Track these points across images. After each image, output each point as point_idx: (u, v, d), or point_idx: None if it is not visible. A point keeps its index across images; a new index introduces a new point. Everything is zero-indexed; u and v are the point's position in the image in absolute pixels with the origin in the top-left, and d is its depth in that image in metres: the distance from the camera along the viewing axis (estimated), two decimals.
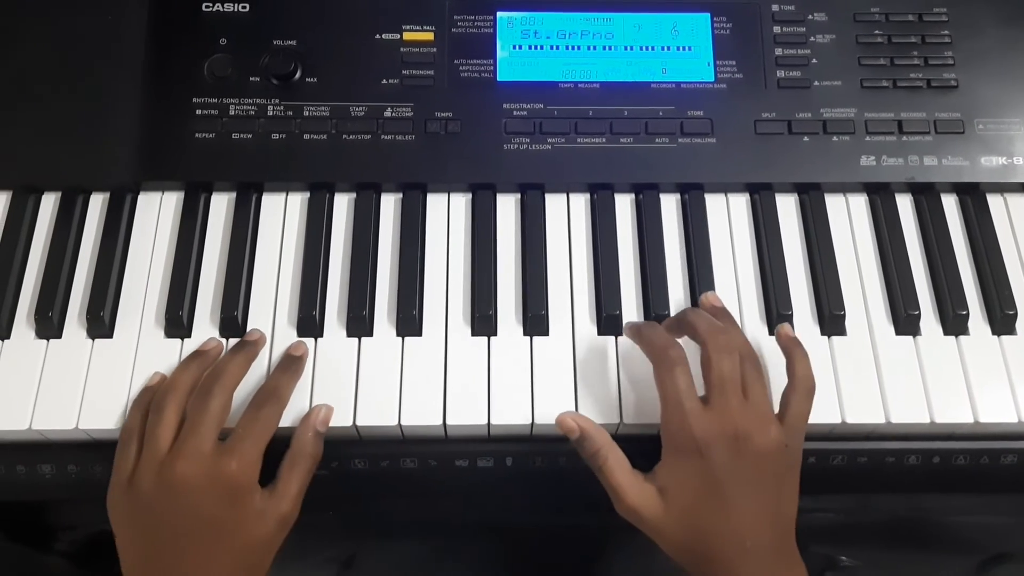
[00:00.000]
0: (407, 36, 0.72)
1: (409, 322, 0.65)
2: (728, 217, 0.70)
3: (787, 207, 0.70)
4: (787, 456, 0.58)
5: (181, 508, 0.56)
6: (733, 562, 0.56)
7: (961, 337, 0.66)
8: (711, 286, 0.66)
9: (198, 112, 0.69)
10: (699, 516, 0.56)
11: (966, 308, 0.66)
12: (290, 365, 0.62)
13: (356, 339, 0.64)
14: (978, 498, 0.76)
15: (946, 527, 0.80)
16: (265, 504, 0.57)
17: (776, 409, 0.60)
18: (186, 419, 0.58)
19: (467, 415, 0.62)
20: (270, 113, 0.69)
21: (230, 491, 0.56)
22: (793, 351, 0.61)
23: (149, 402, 0.60)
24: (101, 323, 0.64)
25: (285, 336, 0.64)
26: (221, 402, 0.58)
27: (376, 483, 0.65)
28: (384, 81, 0.71)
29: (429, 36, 0.72)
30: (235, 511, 0.56)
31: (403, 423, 0.62)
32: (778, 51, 0.72)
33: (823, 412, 0.63)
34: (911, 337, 0.66)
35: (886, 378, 0.64)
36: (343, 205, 0.70)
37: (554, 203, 0.70)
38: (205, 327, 0.65)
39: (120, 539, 0.58)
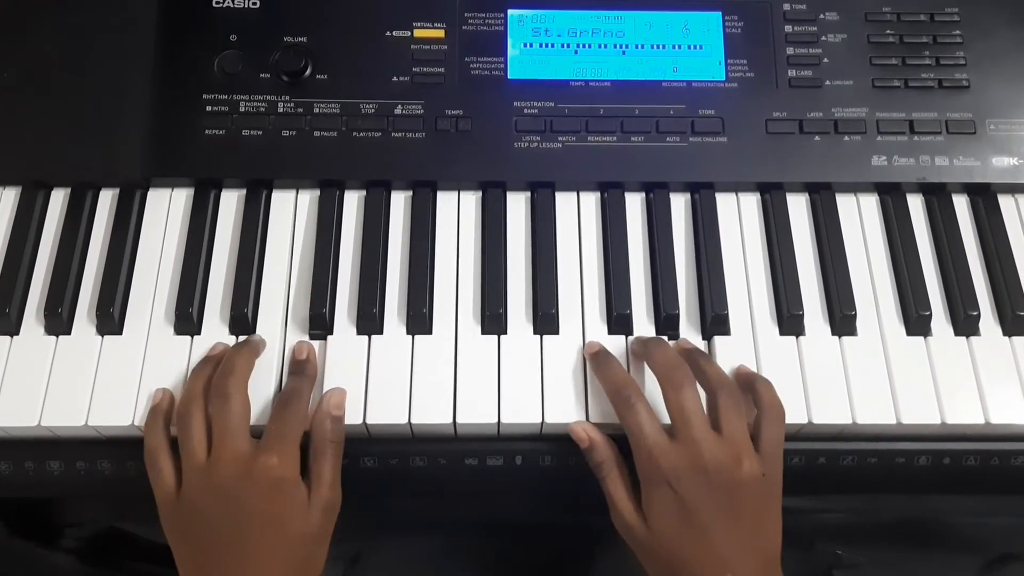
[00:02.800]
0: (418, 33, 0.72)
1: (419, 320, 0.64)
2: (739, 216, 0.70)
3: (798, 207, 0.70)
4: (764, 484, 0.58)
5: (233, 509, 0.57)
6: None
7: (972, 338, 0.66)
8: (721, 286, 0.66)
9: (208, 108, 0.69)
10: (679, 545, 0.57)
11: (977, 309, 0.66)
12: (298, 368, 0.63)
13: (366, 337, 0.64)
14: (986, 498, 0.76)
15: (953, 527, 0.80)
16: (307, 495, 0.58)
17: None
18: (214, 424, 0.58)
19: (477, 414, 0.62)
20: (280, 110, 0.69)
21: (276, 485, 0.57)
22: (755, 383, 0.61)
23: (165, 419, 0.61)
24: (111, 319, 0.64)
25: (295, 333, 0.64)
26: (240, 399, 0.59)
27: (385, 481, 0.65)
28: (395, 78, 0.70)
29: (440, 33, 0.72)
30: (283, 505, 0.57)
31: (413, 421, 0.62)
32: (789, 50, 0.72)
33: (833, 413, 0.63)
34: (922, 338, 0.66)
35: (897, 379, 0.64)
36: (353, 202, 0.69)
37: (564, 201, 0.70)
38: (215, 324, 0.65)
39: (179, 553, 0.59)
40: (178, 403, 0.61)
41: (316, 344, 0.64)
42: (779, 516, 0.59)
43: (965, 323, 0.66)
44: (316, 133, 0.69)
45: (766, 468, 0.58)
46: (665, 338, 0.64)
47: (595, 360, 0.62)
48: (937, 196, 0.71)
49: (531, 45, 0.72)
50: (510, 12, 0.73)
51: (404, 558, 0.79)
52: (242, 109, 0.69)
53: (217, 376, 0.60)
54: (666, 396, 0.58)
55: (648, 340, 0.63)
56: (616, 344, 0.65)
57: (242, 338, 0.64)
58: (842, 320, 0.65)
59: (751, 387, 0.61)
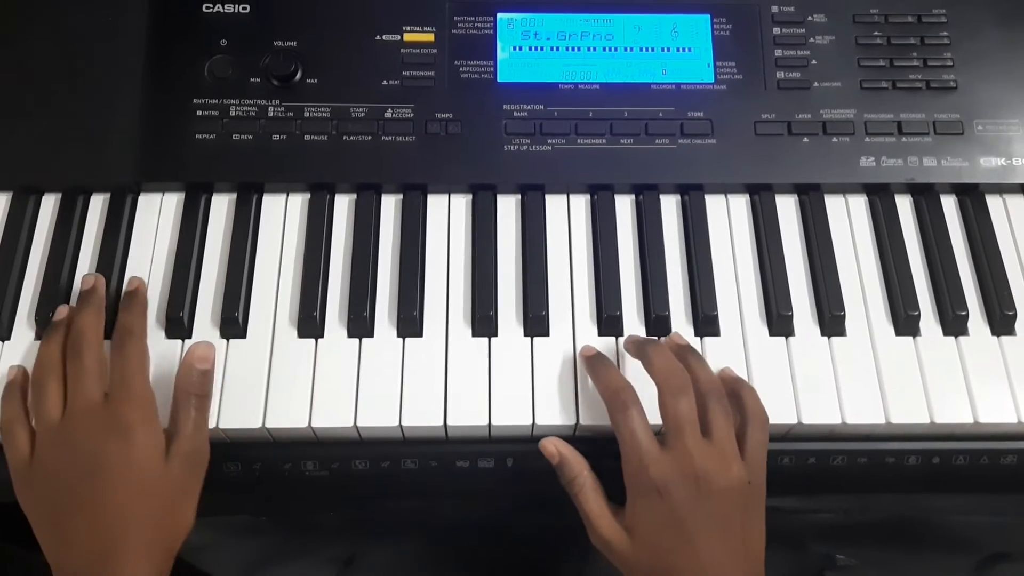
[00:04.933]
0: (407, 37, 0.72)
1: (410, 323, 0.65)
2: (728, 218, 0.70)
3: (787, 208, 0.71)
4: (750, 492, 0.58)
5: (85, 460, 0.56)
6: None
7: (961, 338, 0.66)
8: (711, 287, 0.66)
9: (199, 113, 0.69)
10: (665, 555, 0.56)
11: (966, 309, 0.66)
12: (130, 301, 0.63)
13: (357, 340, 0.65)
14: (977, 497, 0.76)
15: (945, 526, 0.80)
16: (166, 443, 0.58)
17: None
18: (69, 383, 0.59)
19: (468, 416, 0.62)
20: (271, 114, 0.70)
21: (125, 431, 0.56)
22: (740, 388, 0.61)
23: (20, 390, 0.61)
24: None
25: (286, 336, 0.64)
26: (94, 356, 0.59)
27: (377, 484, 0.65)
28: (384, 82, 0.71)
29: (430, 37, 0.72)
30: (135, 452, 0.56)
31: (404, 424, 0.62)
32: (778, 52, 0.73)
33: (823, 413, 0.63)
34: (911, 338, 0.66)
35: (886, 379, 0.64)
36: (344, 206, 0.70)
37: (554, 204, 0.70)
38: (205, 328, 0.65)
39: (35, 520, 0.58)
40: (33, 368, 0.61)
41: (310, 344, 0.64)
42: (763, 522, 0.59)
43: (954, 323, 0.66)
44: (306, 137, 0.69)
45: (751, 475, 0.58)
46: (662, 341, 0.64)
47: (591, 363, 0.62)
48: (925, 196, 0.71)
49: (520, 48, 0.72)
50: (499, 15, 0.73)
51: (397, 560, 0.79)
52: (232, 113, 0.69)
53: (70, 339, 0.60)
54: (662, 401, 0.58)
55: (646, 343, 0.62)
56: (606, 345, 0.65)
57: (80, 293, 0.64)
58: (831, 320, 0.65)
59: (736, 393, 0.61)
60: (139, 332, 0.61)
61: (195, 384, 0.59)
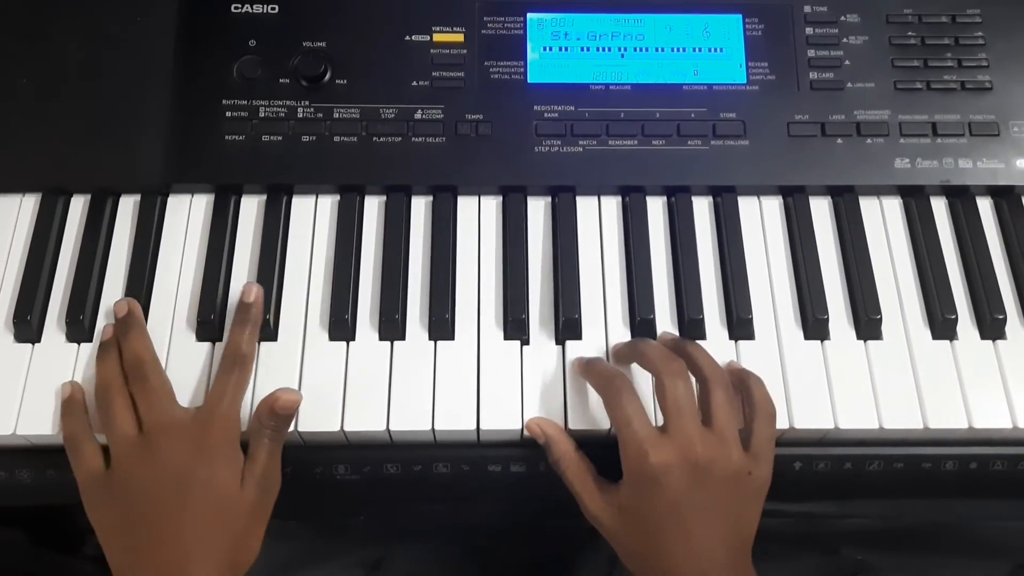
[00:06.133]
0: (437, 37, 0.71)
1: (441, 326, 0.64)
2: (761, 220, 0.69)
3: (821, 210, 0.70)
4: (752, 482, 0.58)
5: (169, 477, 0.56)
6: None
7: (998, 341, 0.65)
8: (746, 290, 0.66)
9: (228, 114, 0.69)
10: (656, 538, 0.56)
11: (1003, 312, 0.65)
12: (244, 316, 0.62)
13: (388, 343, 0.64)
14: (1013, 503, 0.75)
15: (979, 532, 0.79)
16: (244, 467, 0.58)
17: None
18: (139, 402, 0.59)
19: (500, 419, 0.62)
20: (300, 115, 0.69)
21: (212, 452, 0.57)
22: (747, 380, 0.61)
23: (81, 405, 0.61)
24: None
25: (317, 339, 0.64)
26: (159, 376, 0.60)
27: (408, 488, 0.64)
28: (414, 83, 0.70)
29: (459, 37, 0.71)
30: (219, 473, 0.57)
31: (436, 427, 0.61)
32: (811, 52, 0.72)
33: (859, 418, 0.62)
34: (948, 341, 0.65)
35: (923, 383, 0.63)
36: (373, 207, 0.69)
37: (585, 206, 0.70)
38: None
39: (105, 533, 0.58)
40: (95, 390, 0.61)
41: (342, 347, 0.64)
42: (759, 511, 0.59)
43: (991, 326, 0.65)
44: (336, 138, 0.69)
45: (755, 467, 0.58)
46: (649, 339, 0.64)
47: (581, 365, 0.62)
48: (961, 199, 0.70)
49: (551, 49, 0.72)
50: (529, 16, 0.72)
51: (425, 564, 0.79)
52: (262, 114, 0.69)
53: (128, 365, 0.61)
54: (659, 387, 0.58)
55: (634, 339, 0.62)
56: None
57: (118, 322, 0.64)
58: (867, 324, 0.65)
59: (743, 384, 0.61)
60: (249, 356, 0.61)
61: (270, 425, 0.59)
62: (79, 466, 0.59)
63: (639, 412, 0.57)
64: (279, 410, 0.58)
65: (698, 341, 0.64)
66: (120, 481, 0.58)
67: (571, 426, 0.61)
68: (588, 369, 0.61)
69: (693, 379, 0.59)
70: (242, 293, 0.64)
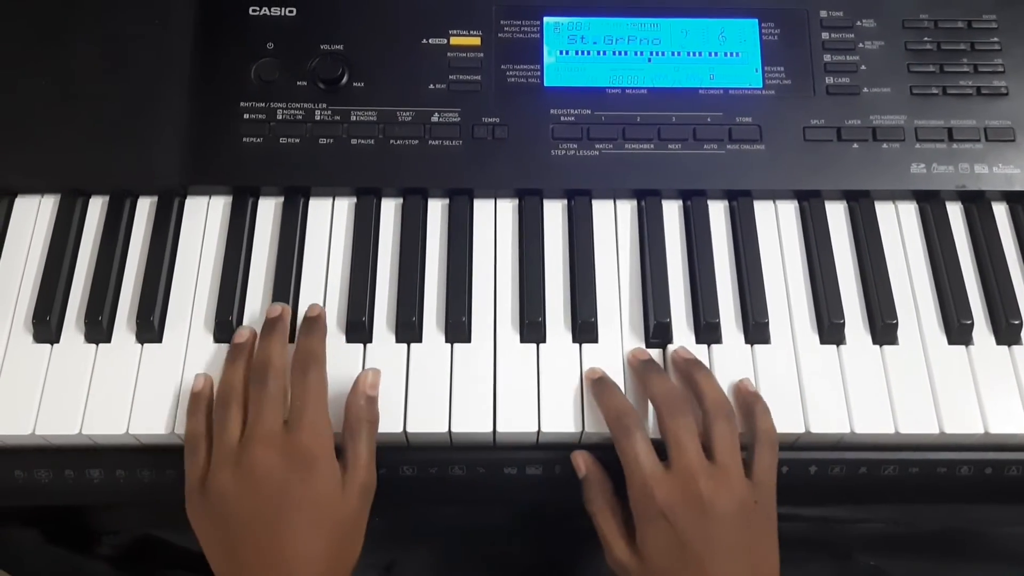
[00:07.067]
0: (454, 41, 0.72)
1: (458, 328, 0.64)
2: (777, 224, 0.70)
3: (836, 215, 0.70)
4: (758, 512, 0.57)
5: (264, 492, 0.56)
6: None
7: (1014, 347, 0.65)
8: (761, 293, 0.66)
9: (246, 116, 0.69)
10: None
11: (1019, 317, 0.65)
12: (311, 327, 0.62)
13: (405, 345, 0.64)
14: None
15: (994, 537, 0.79)
16: (342, 475, 0.57)
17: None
18: (250, 409, 0.58)
19: (517, 422, 0.62)
20: (317, 118, 0.69)
21: (307, 463, 0.56)
22: (754, 405, 0.61)
23: (207, 404, 0.60)
24: (151, 327, 0.64)
25: (334, 341, 0.64)
26: (277, 385, 0.59)
27: (423, 490, 0.64)
28: (431, 86, 0.70)
29: (476, 41, 0.72)
30: (316, 484, 0.56)
31: (453, 430, 0.61)
32: (827, 57, 0.72)
33: (875, 422, 0.62)
34: (964, 347, 0.65)
35: (939, 388, 0.63)
36: (390, 210, 0.69)
37: (601, 209, 0.70)
38: None
39: (206, 541, 0.57)
40: (217, 390, 0.61)
41: (358, 349, 0.64)
42: (775, 542, 0.58)
43: (1007, 332, 0.65)
44: (353, 141, 0.69)
45: (759, 495, 0.58)
46: (669, 351, 0.64)
47: (596, 386, 0.62)
48: (976, 204, 0.70)
49: (567, 52, 0.72)
50: (546, 19, 0.72)
51: (438, 566, 0.79)
52: (279, 117, 0.69)
53: (255, 365, 0.60)
54: (662, 422, 0.58)
55: (645, 365, 0.62)
56: (656, 353, 0.64)
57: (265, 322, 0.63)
58: (883, 329, 0.65)
59: (748, 408, 0.61)
60: (322, 357, 0.60)
61: (365, 409, 0.59)
62: (189, 469, 0.59)
63: (647, 451, 0.58)
64: (369, 390, 0.59)
65: (714, 345, 0.65)
66: (214, 490, 0.57)
67: (587, 430, 0.62)
68: (600, 397, 0.61)
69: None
70: (309, 308, 0.64)
